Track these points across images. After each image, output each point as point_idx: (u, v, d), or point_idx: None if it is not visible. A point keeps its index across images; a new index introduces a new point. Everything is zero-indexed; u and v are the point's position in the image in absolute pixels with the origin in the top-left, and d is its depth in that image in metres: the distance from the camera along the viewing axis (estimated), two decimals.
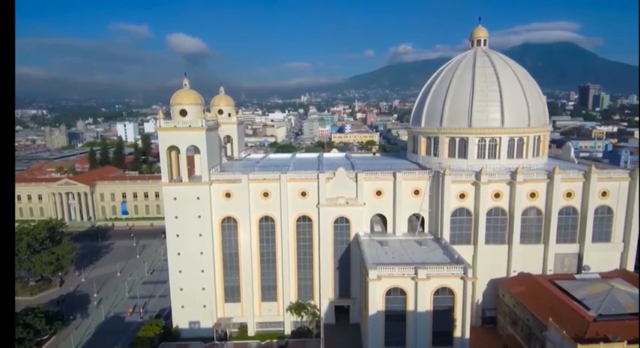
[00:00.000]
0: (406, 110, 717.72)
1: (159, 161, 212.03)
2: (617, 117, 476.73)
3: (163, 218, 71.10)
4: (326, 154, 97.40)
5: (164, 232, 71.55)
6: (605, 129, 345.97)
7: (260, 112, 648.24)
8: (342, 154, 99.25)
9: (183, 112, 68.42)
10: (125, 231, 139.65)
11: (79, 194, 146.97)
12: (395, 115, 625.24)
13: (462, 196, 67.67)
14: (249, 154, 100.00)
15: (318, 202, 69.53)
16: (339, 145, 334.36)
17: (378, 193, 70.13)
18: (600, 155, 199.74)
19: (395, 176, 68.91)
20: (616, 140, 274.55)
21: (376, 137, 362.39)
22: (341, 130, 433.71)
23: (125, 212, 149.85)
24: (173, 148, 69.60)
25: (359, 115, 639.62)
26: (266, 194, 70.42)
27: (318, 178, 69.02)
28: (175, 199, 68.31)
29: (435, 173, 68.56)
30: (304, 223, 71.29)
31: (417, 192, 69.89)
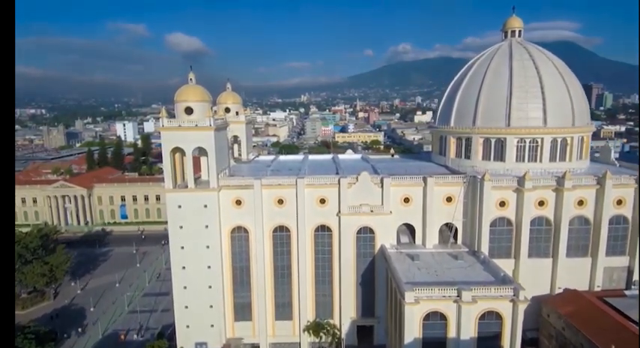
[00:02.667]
0: (407, 109, 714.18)
1: (159, 162, 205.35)
2: (622, 116, 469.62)
3: (165, 222, 63.83)
4: (341, 156, 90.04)
5: (165, 239, 64.07)
6: (612, 128, 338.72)
7: (260, 111, 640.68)
8: (358, 156, 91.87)
9: (189, 110, 61.06)
10: (124, 236, 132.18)
11: (75, 197, 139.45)
12: (397, 115, 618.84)
13: (502, 204, 60.37)
14: (257, 156, 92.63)
15: (339, 211, 62.25)
16: (343, 144, 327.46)
17: (406, 200, 62.82)
18: (617, 156, 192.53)
19: (425, 181, 61.62)
20: (625, 140, 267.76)
21: (381, 137, 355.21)
22: (343, 129, 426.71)
23: (124, 216, 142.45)
24: (177, 150, 62.32)
25: (360, 115, 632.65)
26: (281, 201, 63.13)
27: (339, 183, 61.74)
28: (180, 207, 61.00)
29: (471, 178, 61.24)
30: (323, 233, 64.00)
31: (449, 199, 62.58)
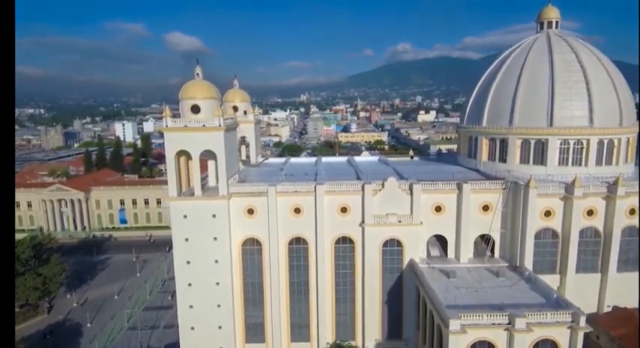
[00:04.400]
0: (408, 109, 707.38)
1: (160, 163, 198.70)
2: None
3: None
4: (357, 158, 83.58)
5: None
6: None
7: (261, 111, 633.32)
8: (375, 158, 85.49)
9: (196, 109, 54.52)
10: (124, 242, 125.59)
11: (72, 201, 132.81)
12: (399, 114, 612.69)
13: (548, 213, 53.90)
14: (266, 159, 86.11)
15: (363, 221, 55.77)
16: (346, 144, 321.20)
17: (438, 209, 56.33)
18: None
19: (460, 188, 55.11)
20: None
21: (384, 137, 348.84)
22: (346, 129, 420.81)
23: (123, 221, 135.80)
24: (182, 154, 55.83)
25: (362, 114, 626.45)
26: (297, 210, 56.66)
27: (362, 190, 55.23)
28: (186, 217, 54.51)
29: (512, 184, 54.70)
30: (345, 245, 57.53)
31: (486, 208, 56.11)
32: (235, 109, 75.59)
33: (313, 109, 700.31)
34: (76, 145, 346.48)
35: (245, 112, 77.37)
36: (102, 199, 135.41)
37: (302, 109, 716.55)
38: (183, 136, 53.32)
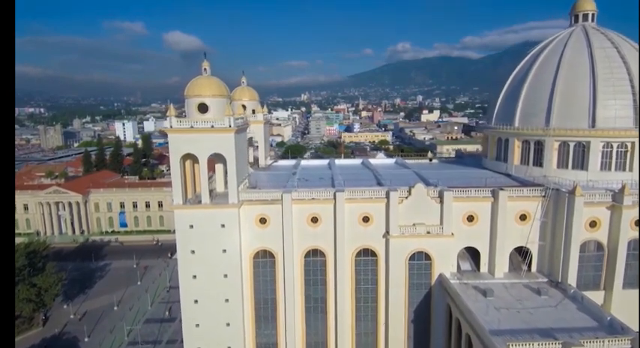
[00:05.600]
0: (410, 108, 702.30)
1: (161, 163, 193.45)
2: None
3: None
4: (372, 161, 78.26)
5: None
6: None
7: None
8: (392, 161, 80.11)
9: (203, 108, 49.27)
10: (124, 247, 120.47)
11: (70, 204, 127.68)
12: (401, 114, 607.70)
13: (593, 224, 48.64)
14: (275, 161, 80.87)
15: (387, 231, 50.58)
16: (350, 144, 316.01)
17: (470, 218, 51.13)
18: None
19: (495, 195, 49.90)
20: None
21: (388, 136, 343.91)
22: (348, 128, 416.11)
23: (123, 224, 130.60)
24: (188, 156, 50.62)
25: (364, 114, 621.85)
26: (315, 219, 51.45)
27: (387, 197, 50.01)
28: (192, 227, 49.26)
29: (553, 192, 49.45)
30: (366, 258, 52.33)
31: (523, 217, 50.89)
32: (243, 107, 70.45)
33: (314, 108, 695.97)
34: (75, 145, 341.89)
35: (253, 112, 72.23)
36: (101, 201, 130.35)
37: (303, 109, 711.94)
38: (189, 138, 48.05)
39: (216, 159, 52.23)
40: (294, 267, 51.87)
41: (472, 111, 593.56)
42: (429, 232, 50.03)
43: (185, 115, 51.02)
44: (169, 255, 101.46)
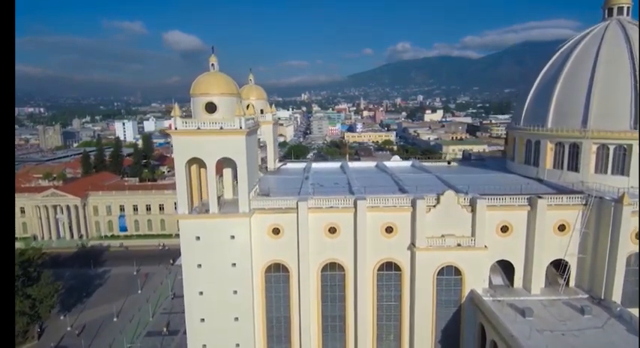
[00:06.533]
0: (411, 108, 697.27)
1: (162, 164, 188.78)
2: None
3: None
4: (388, 163, 73.55)
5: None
6: None
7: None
8: (408, 163, 75.43)
9: (211, 107, 44.77)
10: (124, 252, 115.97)
11: (68, 207, 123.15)
12: (403, 113, 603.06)
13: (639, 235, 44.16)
14: (284, 164, 76.36)
15: (413, 243, 46.09)
16: (353, 144, 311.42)
17: (504, 229, 46.64)
18: None
19: (534, 204, 45.40)
20: None
21: (392, 136, 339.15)
22: (351, 128, 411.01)
23: (123, 228, 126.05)
24: (195, 161, 46.16)
25: (365, 113, 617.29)
26: (333, 230, 46.97)
27: (414, 206, 45.50)
28: (198, 238, 44.82)
29: (596, 200, 44.90)
30: (389, 273, 47.84)
31: (562, 227, 46.39)
32: (251, 107, 65.85)
33: (315, 108, 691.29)
34: (74, 145, 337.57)
35: (262, 111, 67.87)
36: (100, 204, 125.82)
37: (304, 108, 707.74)
38: (195, 140, 43.56)
39: (223, 162, 47.73)
40: (309, 282, 47.41)
41: (474, 111, 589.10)
42: (459, 245, 45.53)
43: (190, 115, 46.63)
44: (171, 261, 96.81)
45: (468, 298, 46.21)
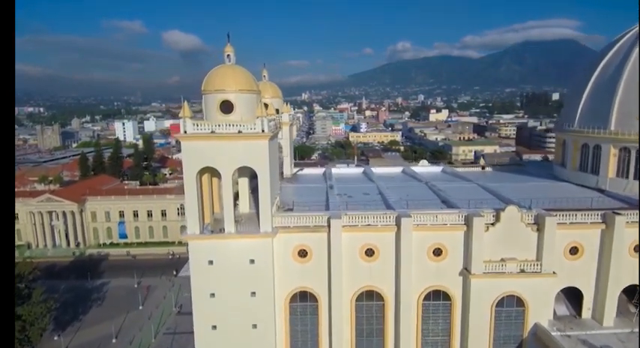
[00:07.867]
0: (413, 108, 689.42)
1: (163, 166, 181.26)
2: None
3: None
4: (416, 169, 66.43)
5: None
6: None
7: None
8: (438, 169, 68.10)
9: (227, 107, 37.58)
10: (124, 262, 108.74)
11: (64, 213, 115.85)
12: (406, 113, 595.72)
13: None
14: (300, 169, 69.12)
15: (467, 268, 38.89)
16: (359, 145, 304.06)
17: (574, 250, 39.42)
18: None
19: (609, 220, 38.19)
20: None
21: (398, 136, 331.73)
22: (354, 128, 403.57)
23: (123, 236, 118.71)
24: (207, 170, 38.93)
25: (367, 113, 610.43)
26: (370, 252, 39.75)
27: (468, 224, 38.26)
28: (211, 263, 37.60)
29: None
30: (437, 303, 40.62)
31: (637, 248, 39.16)
32: (265, 106, 58.55)
33: (317, 107, 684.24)
34: (74, 146, 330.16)
35: (278, 111, 60.59)
36: (99, 210, 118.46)
37: (305, 108, 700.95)
38: (209, 146, 36.29)
39: (238, 170, 40.45)
40: (342, 313, 40.13)
41: (477, 110, 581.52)
42: (522, 270, 38.26)
43: (199, 116, 39.46)
44: (174, 272, 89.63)
45: (531, 333, 39.02)
